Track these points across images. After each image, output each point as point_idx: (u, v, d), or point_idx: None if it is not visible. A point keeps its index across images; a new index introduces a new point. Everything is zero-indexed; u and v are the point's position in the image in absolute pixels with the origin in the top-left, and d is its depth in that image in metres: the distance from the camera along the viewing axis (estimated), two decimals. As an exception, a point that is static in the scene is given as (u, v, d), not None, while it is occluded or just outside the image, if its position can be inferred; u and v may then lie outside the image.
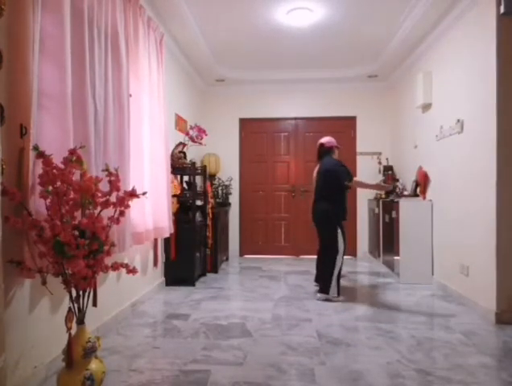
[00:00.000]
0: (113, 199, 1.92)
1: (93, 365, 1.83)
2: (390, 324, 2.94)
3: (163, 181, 3.52)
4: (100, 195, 1.87)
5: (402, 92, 5.41)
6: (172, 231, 3.73)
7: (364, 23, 4.08)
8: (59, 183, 1.75)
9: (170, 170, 3.76)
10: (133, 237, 2.91)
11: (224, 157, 5.97)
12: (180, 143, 4.37)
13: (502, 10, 2.89)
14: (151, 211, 3.26)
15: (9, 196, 1.68)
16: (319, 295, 3.62)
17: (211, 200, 4.83)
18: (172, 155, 4.25)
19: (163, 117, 3.58)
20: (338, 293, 3.61)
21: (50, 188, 1.74)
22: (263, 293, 3.85)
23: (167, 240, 4.00)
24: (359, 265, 5.42)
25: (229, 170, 6.03)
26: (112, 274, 2.77)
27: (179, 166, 4.19)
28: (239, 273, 4.91)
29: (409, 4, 3.65)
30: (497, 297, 2.96)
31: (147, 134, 3.32)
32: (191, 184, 4.36)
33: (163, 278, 4.04)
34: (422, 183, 4.43)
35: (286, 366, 2.23)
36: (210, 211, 4.68)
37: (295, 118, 6.19)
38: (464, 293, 3.47)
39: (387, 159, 5.83)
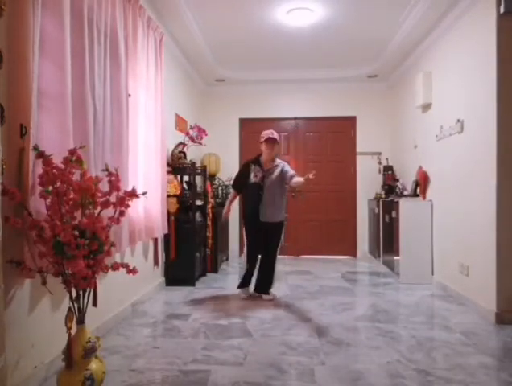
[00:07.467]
0: (113, 199, 1.92)
1: (93, 365, 1.83)
2: (390, 324, 2.94)
3: (157, 181, 3.52)
4: (100, 195, 1.87)
5: (402, 92, 5.41)
6: (166, 231, 3.73)
7: (364, 23, 4.08)
8: (59, 183, 1.75)
9: (166, 169, 3.76)
10: (128, 237, 2.91)
11: (224, 157, 5.96)
12: (180, 143, 4.37)
13: (502, 9, 2.89)
14: (143, 210, 3.25)
15: (9, 196, 1.67)
16: None
17: (211, 200, 4.82)
18: (172, 155, 4.26)
19: (161, 116, 3.58)
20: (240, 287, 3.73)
21: (50, 188, 1.74)
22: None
23: (167, 240, 4.00)
24: (359, 265, 5.42)
25: (229, 170, 6.02)
26: (112, 274, 2.76)
27: (179, 166, 4.19)
28: (239, 273, 4.90)
29: (409, 4, 3.64)
30: (497, 297, 2.96)
31: (144, 134, 3.33)
32: (191, 184, 4.35)
33: (163, 278, 4.04)
34: (422, 183, 4.43)
35: (286, 366, 2.23)
36: (210, 211, 4.68)
37: (295, 118, 6.19)
38: (464, 293, 3.47)
39: (387, 159, 5.83)
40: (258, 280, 3.73)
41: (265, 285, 3.70)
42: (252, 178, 3.63)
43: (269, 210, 3.62)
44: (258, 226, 3.63)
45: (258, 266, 3.75)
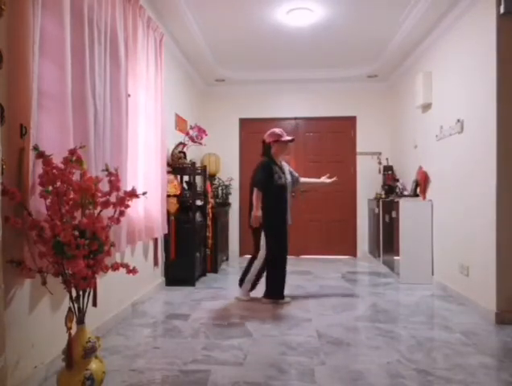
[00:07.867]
0: (113, 199, 1.92)
1: (93, 365, 1.83)
2: (390, 324, 2.94)
3: (157, 181, 3.52)
4: (100, 195, 1.87)
5: (402, 92, 5.41)
6: (166, 231, 3.73)
7: (364, 23, 4.08)
8: (59, 183, 1.75)
9: (166, 169, 3.76)
10: (127, 237, 2.91)
11: (224, 157, 5.96)
12: (180, 143, 4.37)
13: (502, 10, 2.89)
14: (143, 210, 3.25)
15: (9, 196, 1.67)
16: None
17: (211, 200, 4.82)
18: (172, 155, 4.26)
19: (161, 116, 3.58)
20: (246, 295, 3.64)
21: (50, 188, 1.74)
22: (263, 292, 3.84)
23: (166, 240, 4.00)
24: (359, 265, 5.42)
25: (229, 170, 6.03)
26: (112, 274, 2.76)
27: (179, 166, 4.19)
28: (239, 273, 4.89)
29: (409, 4, 3.64)
30: (497, 297, 2.96)
31: (144, 134, 3.33)
32: (191, 184, 4.35)
33: (163, 278, 4.04)
34: (422, 183, 4.43)
35: (286, 366, 2.23)
36: (210, 211, 4.68)
37: (295, 118, 6.19)
38: (464, 293, 3.47)
39: (387, 159, 5.83)
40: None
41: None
42: (278, 180, 3.49)
43: (291, 211, 3.64)
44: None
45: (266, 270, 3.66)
